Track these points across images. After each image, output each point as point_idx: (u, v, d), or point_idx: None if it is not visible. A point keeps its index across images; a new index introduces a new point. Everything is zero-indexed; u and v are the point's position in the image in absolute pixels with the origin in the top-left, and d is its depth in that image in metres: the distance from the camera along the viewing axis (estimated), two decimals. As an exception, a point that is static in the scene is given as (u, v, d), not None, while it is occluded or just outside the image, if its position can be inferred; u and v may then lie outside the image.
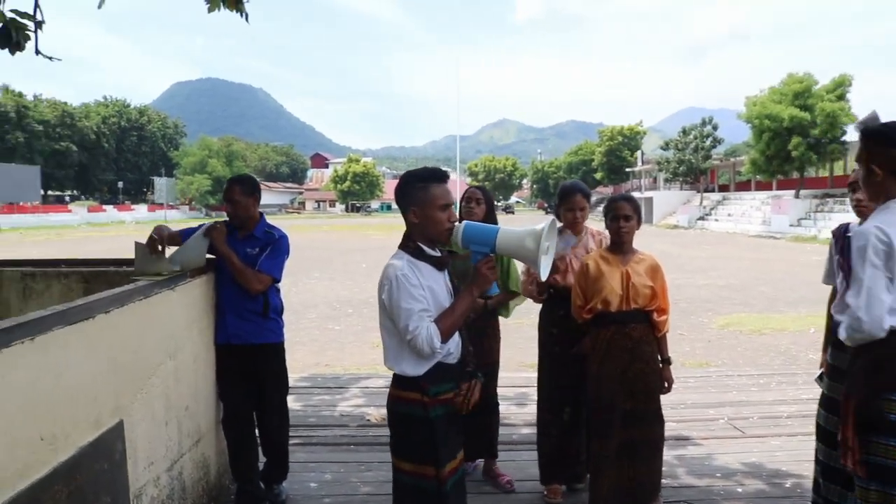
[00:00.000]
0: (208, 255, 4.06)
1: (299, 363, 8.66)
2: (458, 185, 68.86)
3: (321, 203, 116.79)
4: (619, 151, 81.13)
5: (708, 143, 57.15)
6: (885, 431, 2.46)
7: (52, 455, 2.25)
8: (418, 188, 2.75)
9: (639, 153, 78.37)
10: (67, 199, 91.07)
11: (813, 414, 3.73)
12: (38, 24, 5.45)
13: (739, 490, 4.44)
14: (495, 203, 5.27)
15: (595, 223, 4.80)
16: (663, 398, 4.01)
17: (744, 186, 59.88)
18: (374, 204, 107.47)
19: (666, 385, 4.01)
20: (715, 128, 57.14)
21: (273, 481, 4.34)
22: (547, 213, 77.26)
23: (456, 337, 2.83)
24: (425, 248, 2.78)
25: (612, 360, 3.88)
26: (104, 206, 79.95)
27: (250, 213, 4.15)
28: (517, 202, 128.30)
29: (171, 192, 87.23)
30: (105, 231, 51.06)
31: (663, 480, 4.12)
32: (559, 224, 4.35)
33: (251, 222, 4.18)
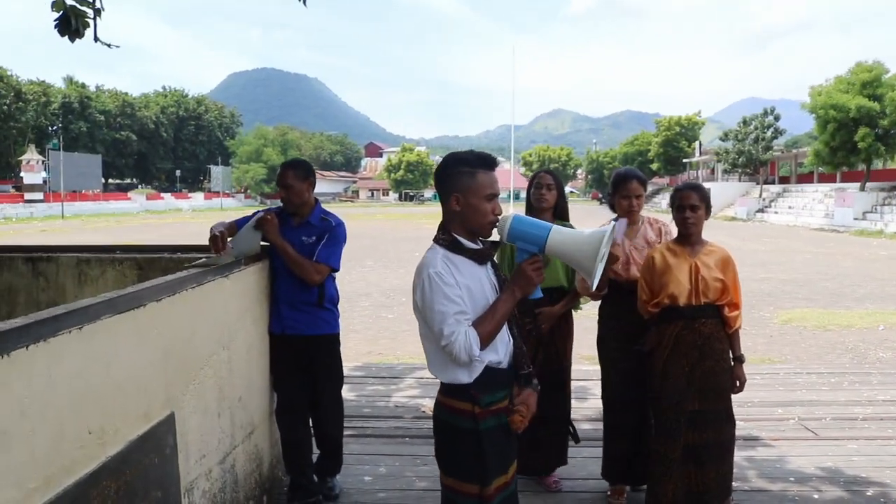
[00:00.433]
0: (262, 242, 3.96)
1: (352, 352, 8.60)
2: (512, 174, 68.40)
3: (374, 192, 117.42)
4: (677, 142, 79.65)
5: (769, 133, 55.73)
6: None
7: (100, 450, 2.16)
8: (464, 173, 2.47)
9: (696, 144, 76.93)
10: (118, 187, 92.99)
11: (889, 416, 3.54)
12: (97, 12, 5.46)
13: (816, 497, 4.20)
14: None
15: (651, 213, 4.57)
16: None
17: (805, 178, 58.36)
18: (427, 193, 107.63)
19: (738, 384, 3.80)
20: (777, 118, 55.69)
21: (327, 474, 4.24)
22: (601, 203, 76.47)
23: (505, 336, 2.56)
24: (463, 240, 2.50)
25: (679, 357, 3.68)
26: (162, 195, 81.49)
27: (304, 199, 4.02)
28: (571, 192, 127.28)
29: (227, 180, 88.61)
30: (163, 218, 52.09)
31: (733, 483, 3.90)
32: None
33: (306, 208, 4.05)
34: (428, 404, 5.81)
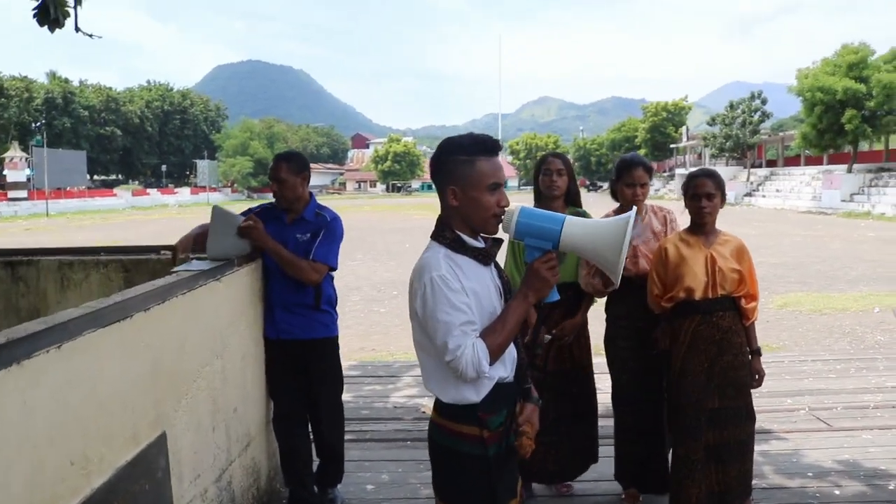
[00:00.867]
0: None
1: (345, 348, 8.36)
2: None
3: (362, 183, 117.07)
4: (664, 127, 79.65)
5: (756, 117, 55.81)
6: None
7: (84, 481, 1.95)
8: (461, 162, 2.12)
9: (683, 129, 76.98)
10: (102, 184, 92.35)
11: None
12: (78, 0, 5.23)
13: (837, 492, 4.04)
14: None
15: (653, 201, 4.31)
16: None
17: (792, 161, 58.39)
18: (415, 184, 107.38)
19: (757, 378, 3.64)
20: (764, 102, 55.82)
21: (328, 484, 4.03)
22: (589, 190, 76.35)
23: (512, 346, 2.25)
24: (465, 238, 2.18)
25: (697, 353, 3.50)
26: (148, 190, 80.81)
27: (298, 194, 3.77)
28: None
29: (214, 174, 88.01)
30: (149, 214, 51.59)
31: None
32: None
33: (300, 204, 3.80)
34: (427, 404, 5.63)
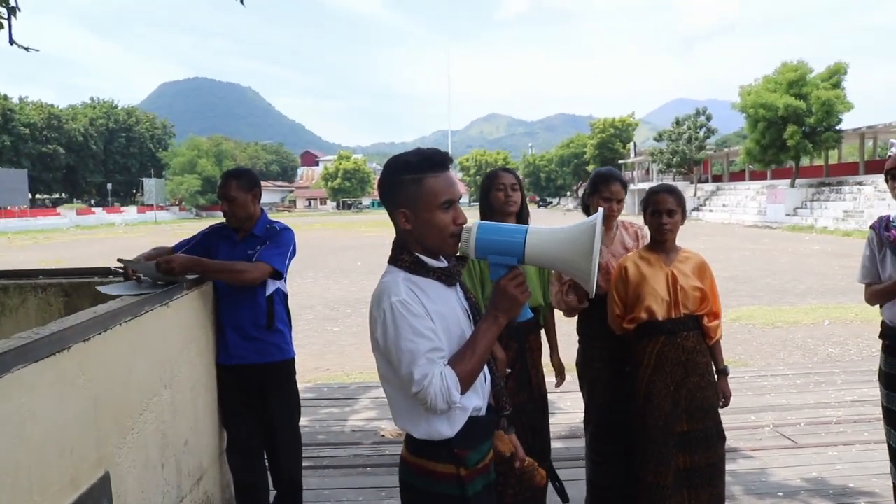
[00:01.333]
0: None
1: (300, 368, 8.10)
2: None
3: (312, 201, 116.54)
4: (612, 143, 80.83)
5: (702, 133, 56.93)
6: None
7: (15, 535, 1.76)
8: (409, 181, 1.94)
9: (631, 145, 78.21)
10: (49, 203, 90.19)
11: (862, 418, 3.45)
12: (12, 11, 4.99)
13: (808, 513, 3.98)
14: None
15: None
16: None
17: (738, 176, 59.65)
18: (366, 201, 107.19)
19: (723, 399, 3.53)
20: (709, 118, 57.00)
21: (285, 517, 3.83)
22: (539, 206, 76.83)
23: (484, 373, 2.09)
24: (426, 259, 2.00)
25: (662, 375, 3.36)
26: (93, 209, 79.16)
27: (249, 212, 3.61)
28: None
29: (161, 192, 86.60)
30: (94, 234, 50.32)
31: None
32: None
33: (251, 222, 3.64)
34: (387, 427, 5.45)
